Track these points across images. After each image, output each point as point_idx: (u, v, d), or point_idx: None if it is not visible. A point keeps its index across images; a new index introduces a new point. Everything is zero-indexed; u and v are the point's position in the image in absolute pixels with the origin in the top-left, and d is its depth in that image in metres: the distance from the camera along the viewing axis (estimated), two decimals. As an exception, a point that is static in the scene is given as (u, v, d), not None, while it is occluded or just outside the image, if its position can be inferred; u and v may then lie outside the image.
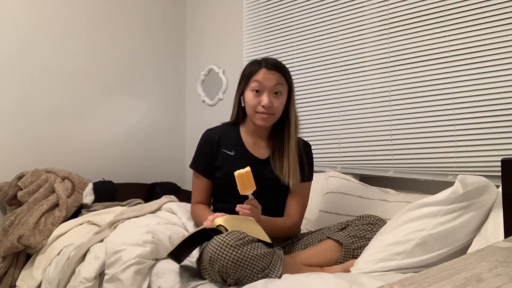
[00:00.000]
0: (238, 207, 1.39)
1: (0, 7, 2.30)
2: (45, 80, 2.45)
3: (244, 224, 1.34)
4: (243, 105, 1.62)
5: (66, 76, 2.53)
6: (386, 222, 1.47)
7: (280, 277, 1.21)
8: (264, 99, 1.53)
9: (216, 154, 1.63)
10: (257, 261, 1.21)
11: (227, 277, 1.22)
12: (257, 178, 1.41)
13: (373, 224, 1.50)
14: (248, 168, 1.38)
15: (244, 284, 1.20)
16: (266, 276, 1.22)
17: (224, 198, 1.64)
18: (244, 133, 1.66)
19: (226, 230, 1.28)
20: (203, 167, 1.64)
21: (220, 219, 1.34)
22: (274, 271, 1.23)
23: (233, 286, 1.24)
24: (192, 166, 1.67)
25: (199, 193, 1.66)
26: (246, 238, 1.23)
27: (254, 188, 1.39)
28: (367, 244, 1.41)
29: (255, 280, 1.20)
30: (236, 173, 1.38)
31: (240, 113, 1.66)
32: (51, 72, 2.47)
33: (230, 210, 1.52)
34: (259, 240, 1.28)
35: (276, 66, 1.57)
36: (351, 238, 1.45)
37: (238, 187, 1.38)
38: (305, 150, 1.67)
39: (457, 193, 1.26)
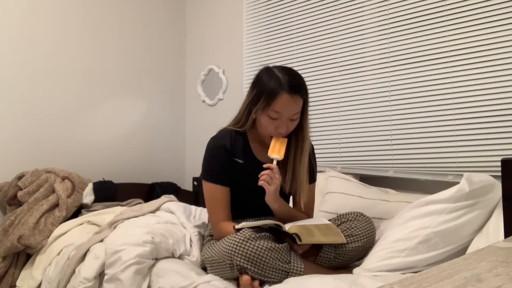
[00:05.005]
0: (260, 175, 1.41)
1: (0, 6, 2.30)
2: (45, 80, 2.45)
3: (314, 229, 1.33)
4: (254, 117, 1.50)
5: (66, 76, 2.53)
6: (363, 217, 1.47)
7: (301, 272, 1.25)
8: (282, 127, 1.44)
9: (231, 162, 1.51)
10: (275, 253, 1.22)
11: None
12: None
13: (352, 221, 1.47)
14: (286, 138, 1.46)
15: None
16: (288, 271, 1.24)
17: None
18: (252, 140, 1.57)
19: (300, 239, 1.26)
20: (224, 176, 1.49)
21: (293, 228, 1.30)
22: (296, 265, 1.25)
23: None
24: (212, 179, 1.49)
25: (224, 208, 1.48)
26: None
27: (282, 156, 1.42)
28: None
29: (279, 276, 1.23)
30: (274, 137, 1.45)
31: (248, 122, 1.53)
32: (51, 72, 2.47)
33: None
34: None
35: (298, 89, 1.41)
36: None
37: (269, 148, 1.45)
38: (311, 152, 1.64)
39: (463, 191, 1.26)
